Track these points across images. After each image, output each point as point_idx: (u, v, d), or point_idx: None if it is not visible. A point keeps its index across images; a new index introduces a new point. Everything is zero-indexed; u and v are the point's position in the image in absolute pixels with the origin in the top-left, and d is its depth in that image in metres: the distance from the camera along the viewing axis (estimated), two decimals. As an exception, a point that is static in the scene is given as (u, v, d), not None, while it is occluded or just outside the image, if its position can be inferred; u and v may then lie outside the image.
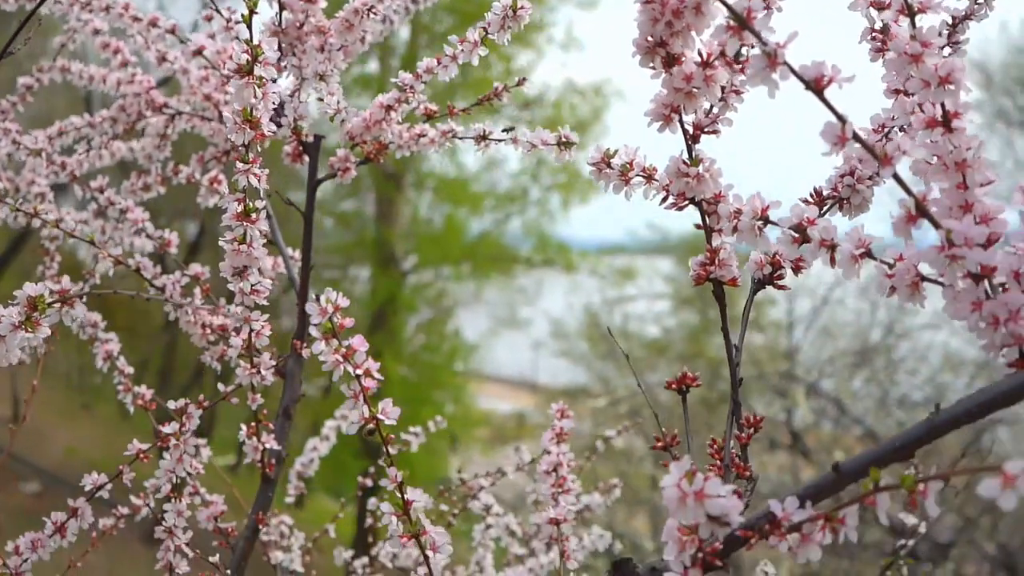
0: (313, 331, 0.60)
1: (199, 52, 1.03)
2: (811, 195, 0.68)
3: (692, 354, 8.55)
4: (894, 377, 6.32)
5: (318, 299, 0.59)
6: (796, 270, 0.66)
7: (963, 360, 6.88)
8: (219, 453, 0.97)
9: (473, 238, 11.83)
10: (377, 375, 0.61)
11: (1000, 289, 0.50)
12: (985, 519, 5.82)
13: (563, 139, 0.81)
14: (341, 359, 0.60)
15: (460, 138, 0.95)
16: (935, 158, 0.53)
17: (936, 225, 0.50)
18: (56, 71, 1.26)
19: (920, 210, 0.50)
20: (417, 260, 11.56)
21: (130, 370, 1.08)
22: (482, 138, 0.93)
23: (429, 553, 0.63)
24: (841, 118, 0.49)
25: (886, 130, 0.67)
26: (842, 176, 0.67)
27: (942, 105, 0.52)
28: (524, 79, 0.97)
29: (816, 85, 0.49)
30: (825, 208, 0.67)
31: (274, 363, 0.90)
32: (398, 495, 0.63)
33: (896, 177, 0.50)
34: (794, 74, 0.49)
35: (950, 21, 0.69)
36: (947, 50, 0.65)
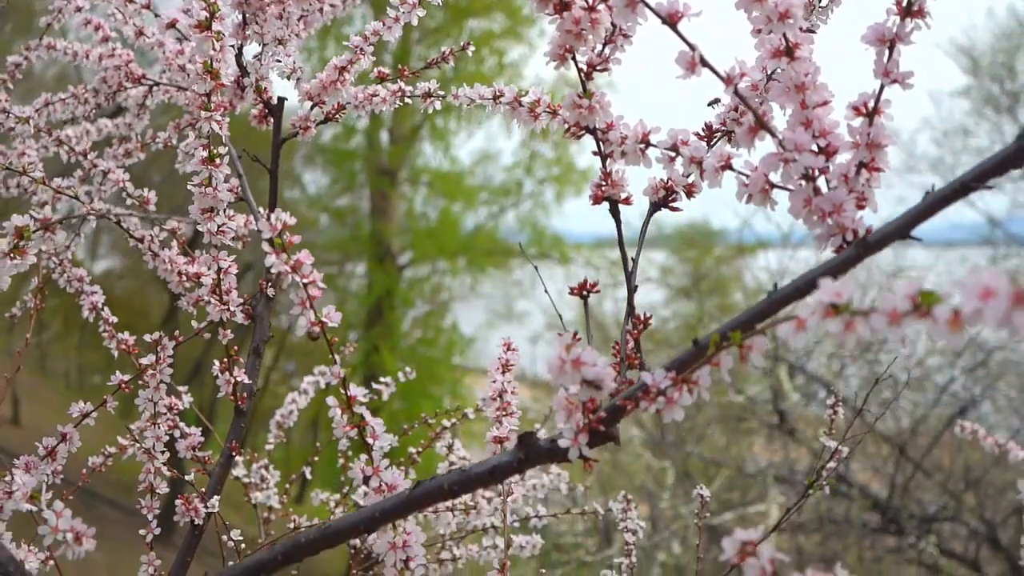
0: (265, 245, 0.69)
1: (172, 25, 1.13)
2: (703, 128, 0.77)
3: (687, 343, 8.63)
4: (879, 357, 6.42)
5: (269, 217, 0.69)
6: (688, 194, 0.75)
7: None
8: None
9: (468, 232, 11.91)
10: (321, 284, 0.71)
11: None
12: (969, 495, 5.94)
13: (497, 93, 0.91)
14: (290, 269, 0.70)
15: (409, 96, 1.04)
16: (779, 83, 0.62)
17: (773, 135, 0.59)
18: (43, 49, 1.35)
19: (760, 123, 0.60)
20: (413, 255, 11.65)
21: (114, 319, 1.18)
22: (428, 95, 1.02)
23: (370, 440, 0.73)
24: (692, 47, 0.59)
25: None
26: (728, 112, 0.76)
27: (784, 36, 0.61)
28: (469, 44, 1.06)
29: (671, 20, 0.59)
30: (715, 140, 0.77)
31: (242, 300, 1.00)
32: (342, 391, 0.73)
33: (738, 94, 0.59)
34: (651, 10, 0.59)
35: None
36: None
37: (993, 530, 5.80)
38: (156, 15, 1.16)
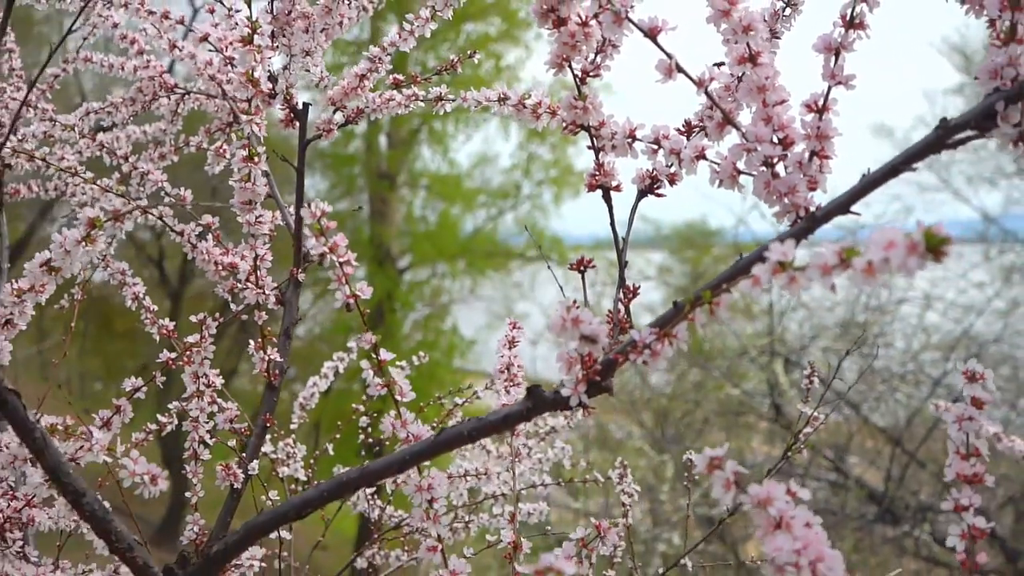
0: (306, 229, 0.80)
1: (204, 38, 1.24)
2: (683, 125, 0.88)
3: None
4: (874, 351, 6.53)
5: (309, 205, 0.80)
6: (671, 182, 0.87)
7: (939, 331, 7.11)
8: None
9: (467, 235, 12.02)
10: (354, 263, 0.82)
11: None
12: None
13: (503, 96, 1.02)
14: (328, 250, 0.81)
15: (422, 100, 1.16)
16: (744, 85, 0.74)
17: (738, 129, 0.71)
18: (80, 61, 1.46)
19: (727, 119, 0.71)
20: (412, 258, 11.76)
21: (155, 308, 1.29)
22: (439, 99, 1.14)
23: (398, 397, 0.84)
24: (669, 56, 0.70)
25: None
26: (703, 110, 0.88)
27: (748, 45, 0.73)
28: (474, 52, 1.18)
29: (652, 33, 0.71)
30: (694, 134, 0.88)
31: (276, 286, 1.11)
32: (373, 355, 0.84)
33: (708, 95, 0.71)
34: (636, 27, 0.70)
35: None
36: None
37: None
38: (190, 30, 1.27)
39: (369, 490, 1.57)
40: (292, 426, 1.57)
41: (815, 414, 1.24)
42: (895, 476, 6.19)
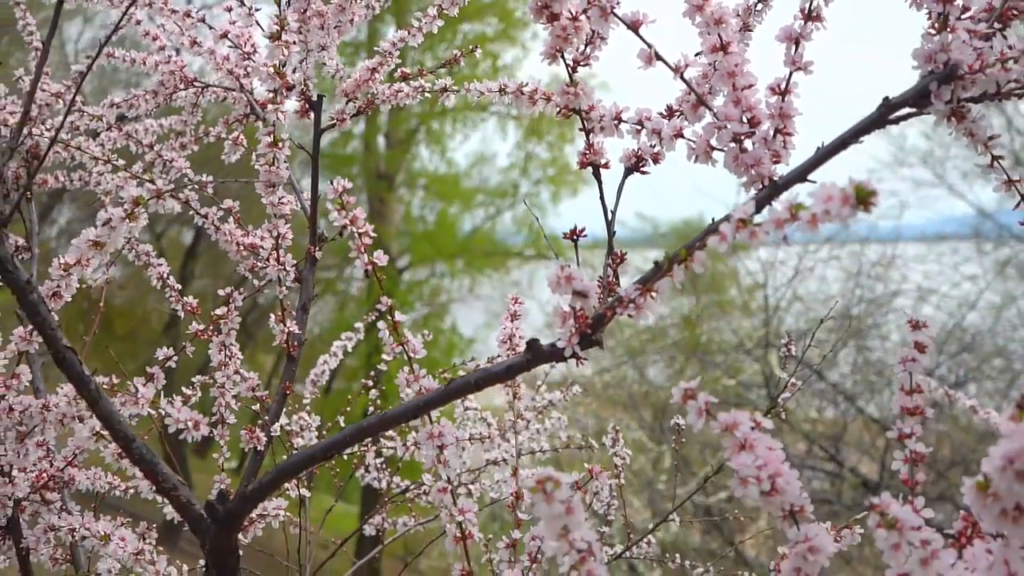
0: (328, 204, 0.90)
1: (224, 35, 1.34)
2: (666, 108, 0.98)
3: (687, 341, 8.84)
4: (867, 343, 6.66)
5: (332, 181, 0.90)
6: (655, 160, 0.96)
7: (933, 324, 7.20)
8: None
9: (465, 234, 12.11)
10: (373, 234, 0.92)
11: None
12: (955, 473, 6.16)
13: (503, 86, 1.12)
14: (349, 223, 0.91)
15: (428, 92, 1.26)
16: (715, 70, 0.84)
17: (711, 110, 0.81)
18: (103, 57, 1.56)
19: (700, 101, 0.81)
20: (411, 258, 11.85)
21: (179, 286, 1.39)
22: (444, 90, 1.24)
23: (411, 354, 0.94)
24: (649, 45, 0.80)
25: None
26: (682, 95, 0.97)
27: (719, 36, 0.83)
28: (476, 47, 1.28)
29: (634, 26, 0.80)
30: (675, 117, 0.98)
31: (295, 263, 1.21)
32: (389, 317, 0.94)
33: (684, 80, 0.81)
34: (620, 20, 0.80)
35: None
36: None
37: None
38: (210, 27, 1.37)
39: (378, 460, 1.67)
40: (305, 401, 1.67)
41: (793, 381, 1.34)
42: (888, 465, 6.30)
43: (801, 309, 7.78)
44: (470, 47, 1.28)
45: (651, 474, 6.90)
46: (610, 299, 0.83)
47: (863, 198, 0.58)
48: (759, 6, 0.99)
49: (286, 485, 1.46)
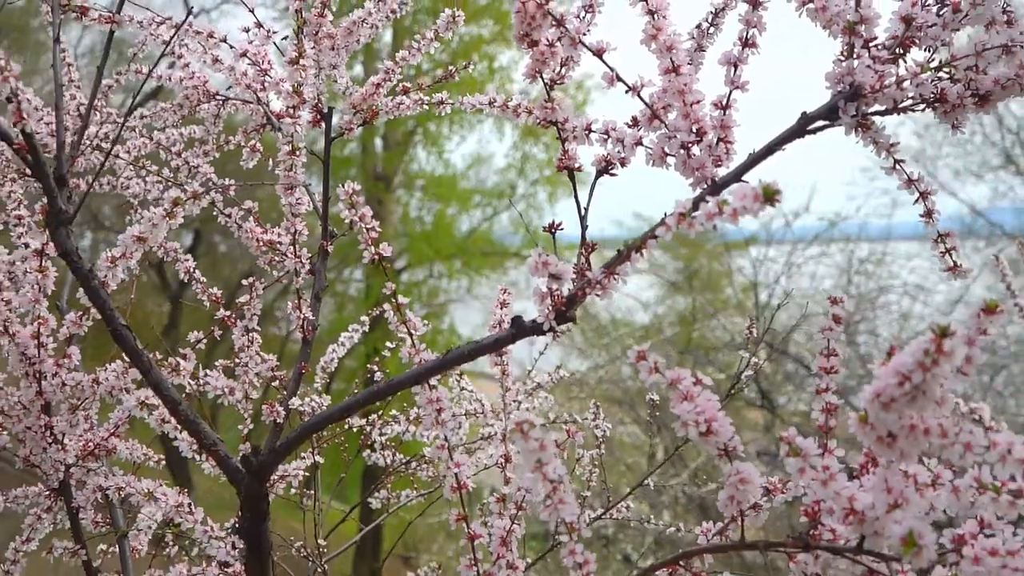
0: (340, 204, 1.06)
1: (244, 54, 1.50)
2: (631, 119, 1.14)
3: (680, 338, 9.00)
4: (856, 338, 6.82)
5: (342, 184, 1.06)
6: (622, 164, 1.12)
7: (919, 317, 7.39)
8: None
9: (463, 235, 12.25)
10: (378, 228, 1.08)
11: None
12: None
13: (492, 100, 1.28)
14: (358, 219, 1.07)
15: (427, 104, 1.42)
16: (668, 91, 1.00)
17: (662, 121, 0.97)
18: (132, 73, 1.72)
19: (654, 115, 0.97)
20: (409, 259, 12.00)
21: (204, 279, 1.54)
22: (441, 103, 1.40)
23: (412, 331, 1.10)
24: (611, 69, 0.96)
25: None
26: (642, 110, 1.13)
27: (671, 59, 0.99)
28: (469, 63, 1.44)
29: (598, 53, 0.96)
30: (638, 127, 1.14)
31: (310, 256, 1.37)
32: (393, 300, 1.10)
33: (640, 98, 0.97)
34: (586, 48, 0.96)
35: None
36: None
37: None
38: (231, 47, 1.53)
39: (383, 436, 1.83)
40: (315, 385, 1.83)
41: (757, 360, 1.50)
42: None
43: (794, 308, 7.96)
44: (463, 64, 1.44)
45: (646, 469, 7.06)
46: (581, 281, 0.99)
47: (769, 196, 0.74)
48: (711, 29, 1.15)
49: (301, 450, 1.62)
